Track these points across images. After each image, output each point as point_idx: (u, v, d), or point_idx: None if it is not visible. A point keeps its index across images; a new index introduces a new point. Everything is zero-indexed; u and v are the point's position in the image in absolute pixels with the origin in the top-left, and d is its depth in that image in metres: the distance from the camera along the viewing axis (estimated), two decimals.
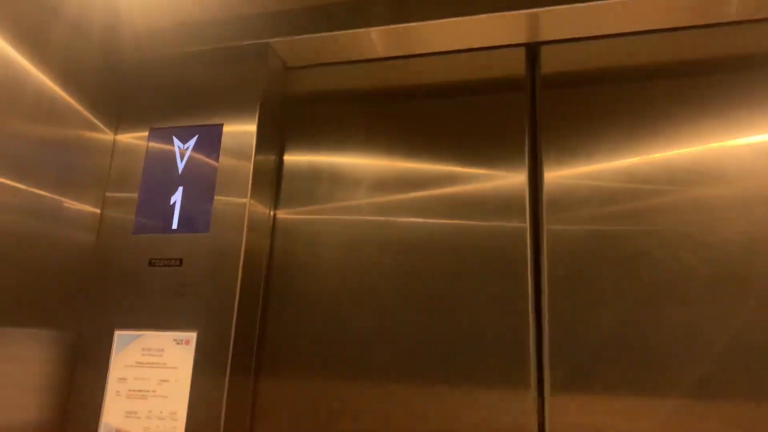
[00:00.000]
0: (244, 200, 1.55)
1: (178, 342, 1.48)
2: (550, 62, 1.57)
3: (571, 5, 1.41)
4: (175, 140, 1.66)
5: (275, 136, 1.72)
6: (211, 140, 1.63)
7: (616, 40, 1.54)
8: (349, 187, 1.64)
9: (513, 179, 1.51)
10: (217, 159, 1.60)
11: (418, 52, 1.69)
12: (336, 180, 1.66)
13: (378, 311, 1.52)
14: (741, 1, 1.40)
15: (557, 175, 1.48)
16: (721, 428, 1.24)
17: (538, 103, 1.55)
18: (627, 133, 1.46)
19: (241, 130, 1.62)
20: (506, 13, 1.47)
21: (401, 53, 1.70)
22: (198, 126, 1.65)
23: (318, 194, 1.66)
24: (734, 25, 1.47)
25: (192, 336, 1.48)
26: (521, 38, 1.57)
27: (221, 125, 1.63)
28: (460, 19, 1.52)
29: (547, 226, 1.45)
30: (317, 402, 1.50)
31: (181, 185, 1.61)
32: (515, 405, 1.36)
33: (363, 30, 1.59)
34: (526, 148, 1.52)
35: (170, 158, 1.65)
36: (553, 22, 1.50)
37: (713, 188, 1.37)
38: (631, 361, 1.32)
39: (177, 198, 1.60)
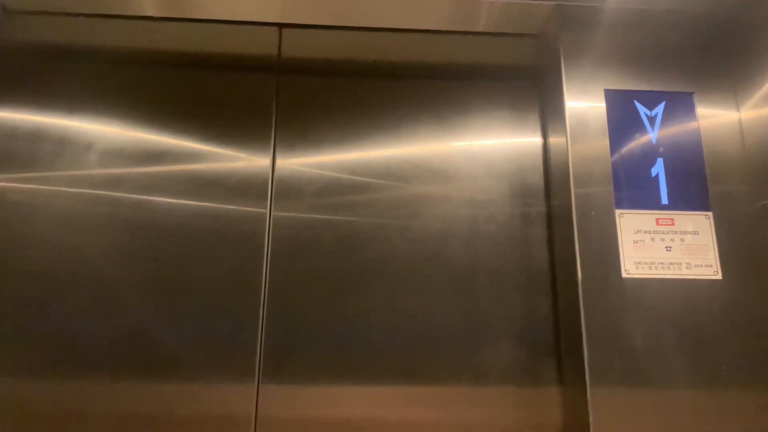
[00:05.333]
0: None
1: None
2: (292, 46, 1.57)
3: None
4: None
5: None
6: None
7: (358, 34, 1.59)
8: (79, 156, 1.46)
9: (257, 162, 1.48)
10: None
11: (181, 15, 1.56)
12: (63, 146, 1.46)
13: (97, 298, 1.37)
14: (488, 16, 1.55)
15: (289, 161, 1.49)
16: (422, 406, 1.37)
17: (279, 87, 1.54)
18: (354, 124, 1.53)
19: None
20: None
21: (164, 14, 1.55)
22: None
23: (40, 160, 1.45)
24: (463, 36, 1.62)
25: None
26: (275, 17, 1.55)
27: None
28: None
29: (274, 212, 1.45)
30: (15, 405, 1.31)
31: None
32: (238, 396, 1.34)
33: None
34: (273, 132, 1.50)
35: None
36: (301, 4, 1.50)
37: (422, 182, 1.50)
38: (339, 345, 1.38)
39: None
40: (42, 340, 1.34)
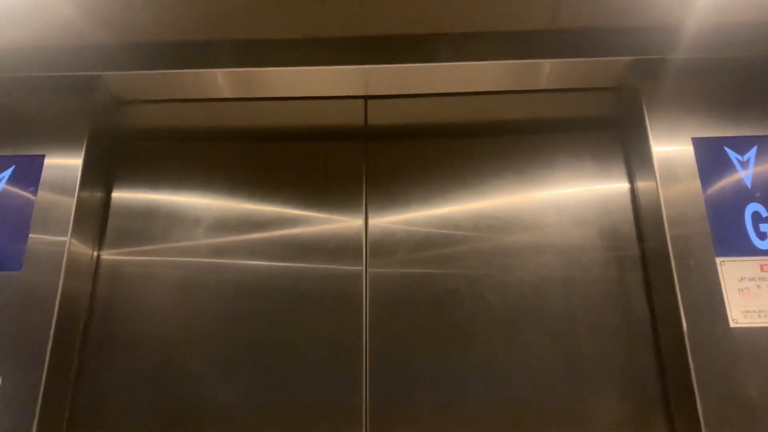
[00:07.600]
0: (63, 239, 1.43)
1: None
2: (377, 115, 1.68)
3: (400, 65, 1.55)
4: None
5: (104, 172, 1.62)
6: (29, 172, 1.49)
7: (437, 100, 1.68)
8: (187, 228, 1.59)
9: (350, 223, 1.56)
10: (35, 193, 1.47)
11: (264, 95, 1.70)
12: (173, 220, 1.59)
13: (212, 358, 1.46)
14: (550, 73, 1.60)
15: (380, 221, 1.57)
16: None
17: (367, 153, 1.64)
18: (439, 183, 1.59)
19: (65, 164, 1.50)
20: (345, 67, 1.56)
21: (248, 95, 1.70)
22: (15, 156, 1.51)
23: (152, 234, 1.58)
24: (538, 93, 1.68)
25: None
26: (359, 91, 1.67)
27: (42, 156, 1.51)
28: (309, 68, 1.57)
29: (370, 269, 1.52)
30: None
31: None
32: None
33: (209, 70, 1.58)
34: (364, 194, 1.59)
35: None
36: (383, 79, 1.61)
37: (511, 235, 1.54)
38: (443, 401, 1.40)
39: None
40: (160, 403, 1.43)
